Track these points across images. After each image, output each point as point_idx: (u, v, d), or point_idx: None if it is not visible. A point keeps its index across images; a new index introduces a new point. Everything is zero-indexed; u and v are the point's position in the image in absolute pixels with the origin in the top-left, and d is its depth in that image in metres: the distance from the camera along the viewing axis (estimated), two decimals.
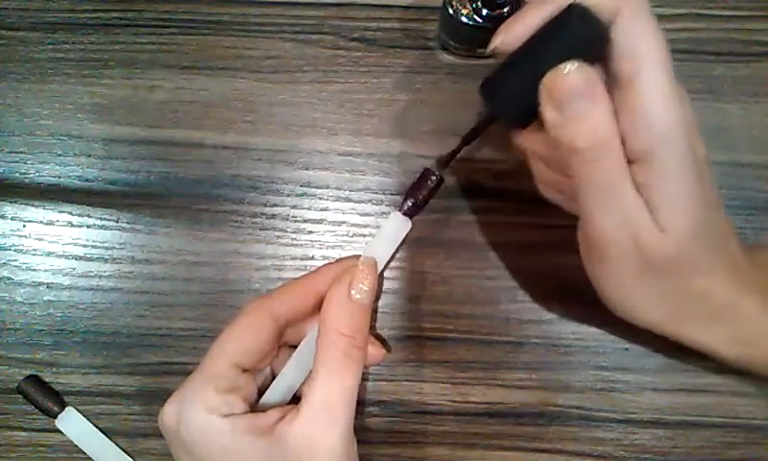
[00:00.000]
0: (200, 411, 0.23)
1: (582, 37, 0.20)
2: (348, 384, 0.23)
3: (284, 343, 0.27)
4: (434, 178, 0.27)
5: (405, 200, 0.27)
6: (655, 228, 0.20)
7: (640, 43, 0.19)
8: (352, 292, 0.24)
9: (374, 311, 0.30)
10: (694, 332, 0.24)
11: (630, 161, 0.20)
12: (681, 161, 0.20)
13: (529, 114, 0.21)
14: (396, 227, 0.27)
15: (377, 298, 0.30)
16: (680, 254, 0.21)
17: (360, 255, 0.26)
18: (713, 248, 0.22)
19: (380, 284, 0.30)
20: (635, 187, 0.20)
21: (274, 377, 0.26)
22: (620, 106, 0.20)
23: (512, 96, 0.22)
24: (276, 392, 0.26)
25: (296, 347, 0.26)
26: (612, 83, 0.20)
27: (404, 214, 0.27)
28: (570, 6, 0.20)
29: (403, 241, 0.28)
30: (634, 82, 0.19)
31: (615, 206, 0.21)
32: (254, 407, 0.25)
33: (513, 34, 0.20)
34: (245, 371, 0.24)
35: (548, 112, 0.20)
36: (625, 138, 0.20)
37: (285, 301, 0.26)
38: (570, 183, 0.21)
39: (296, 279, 0.27)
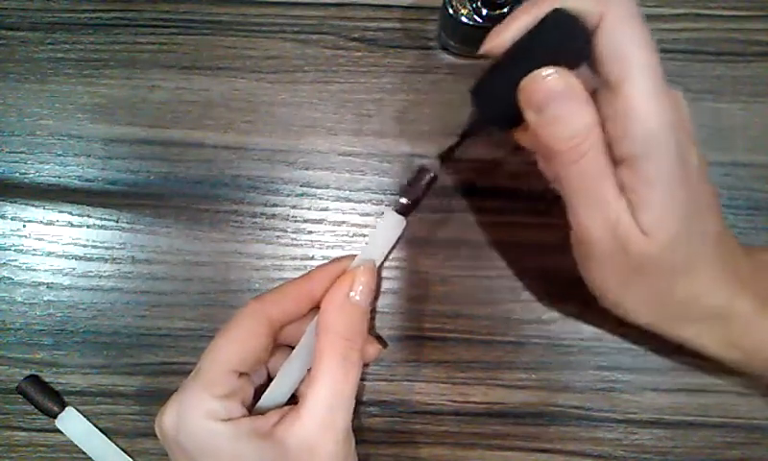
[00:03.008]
0: (199, 417, 0.22)
1: (564, 43, 0.20)
2: (346, 387, 0.24)
3: (279, 343, 0.27)
4: (429, 176, 0.27)
5: (400, 198, 0.27)
6: (637, 229, 0.21)
7: (627, 46, 0.19)
8: (351, 294, 0.24)
9: (373, 312, 0.30)
10: (685, 332, 0.24)
11: (617, 163, 0.20)
12: (666, 167, 0.20)
13: (516, 117, 0.21)
14: (391, 226, 0.27)
15: (376, 298, 0.30)
16: (662, 258, 0.21)
17: (355, 255, 0.26)
18: (699, 253, 0.22)
19: (378, 284, 0.30)
20: (617, 188, 0.20)
21: (270, 377, 0.26)
22: (608, 108, 0.20)
23: (498, 100, 0.22)
24: (273, 394, 0.26)
25: (292, 347, 0.26)
26: (601, 85, 0.20)
27: (399, 213, 0.27)
28: (554, 11, 0.20)
29: (399, 240, 0.28)
30: (621, 85, 0.19)
31: (598, 207, 0.21)
32: (252, 409, 0.25)
33: (502, 38, 0.21)
34: (241, 374, 0.24)
35: (528, 115, 0.20)
36: (612, 141, 0.20)
37: (280, 303, 0.26)
38: None
39: (290, 280, 0.27)
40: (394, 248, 0.28)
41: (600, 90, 0.21)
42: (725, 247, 0.23)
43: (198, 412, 0.23)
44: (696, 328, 0.24)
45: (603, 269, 0.23)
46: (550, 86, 0.19)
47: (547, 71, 0.19)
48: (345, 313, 0.24)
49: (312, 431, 0.23)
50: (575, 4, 0.19)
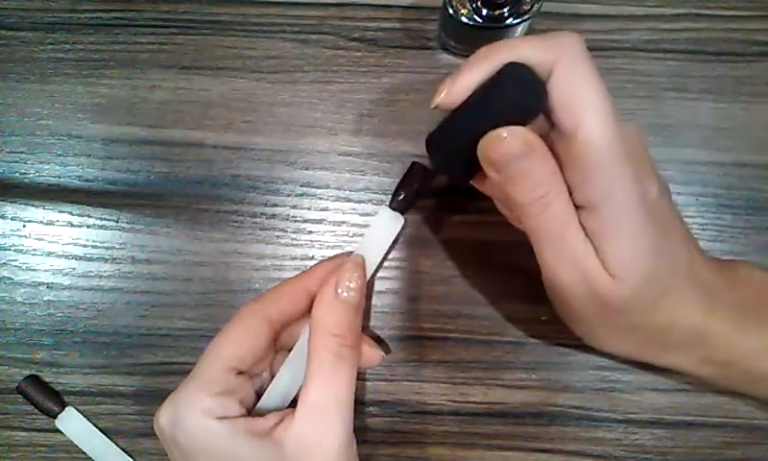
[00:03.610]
0: (195, 415, 0.22)
1: (520, 97, 0.20)
2: (341, 385, 0.23)
3: (282, 346, 0.27)
4: (421, 171, 0.27)
5: (394, 195, 0.28)
6: (605, 273, 0.21)
7: (578, 94, 0.19)
8: (339, 291, 0.24)
9: (367, 310, 0.30)
10: (665, 359, 0.25)
11: (578, 208, 0.21)
12: (627, 210, 0.20)
13: (472, 168, 0.21)
14: (386, 223, 0.27)
15: (369, 296, 0.30)
16: (633, 298, 0.21)
17: (352, 252, 0.26)
18: (671, 285, 0.22)
19: (371, 282, 0.30)
20: (583, 234, 0.21)
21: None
22: (565, 156, 0.20)
23: (454, 153, 0.22)
24: (272, 395, 0.26)
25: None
26: (557, 134, 0.21)
27: (393, 209, 0.27)
28: (506, 66, 0.20)
29: (398, 237, 0.28)
30: (575, 133, 0.19)
31: (565, 254, 0.21)
32: (253, 411, 0.25)
33: (454, 92, 0.20)
34: (240, 373, 0.24)
35: (489, 173, 0.21)
36: (572, 188, 0.20)
37: (278, 302, 0.26)
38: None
39: (288, 279, 0.27)
40: (393, 245, 0.28)
41: (555, 136, 0.21)
42: (696, 268, 0.23)
43: (194, 410, 0.23)
44: (673, 354, 0.24)
45: (576, 310, 0.23)
46: (508, 147, 0.20)
47: (504, 132, 0.19)
48: (334, 310, 0.24)
49: (308, 431, 0.23)
50: (528, 55, 0.19)
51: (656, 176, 0.22)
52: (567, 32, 0.20)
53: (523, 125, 0.20)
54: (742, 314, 0.23)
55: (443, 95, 0.21)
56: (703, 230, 0.30)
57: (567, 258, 0.21)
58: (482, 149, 0.20)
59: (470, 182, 0.25)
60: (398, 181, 0.28)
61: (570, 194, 0.21)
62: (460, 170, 0.22)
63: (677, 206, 0.25)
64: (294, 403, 0.25)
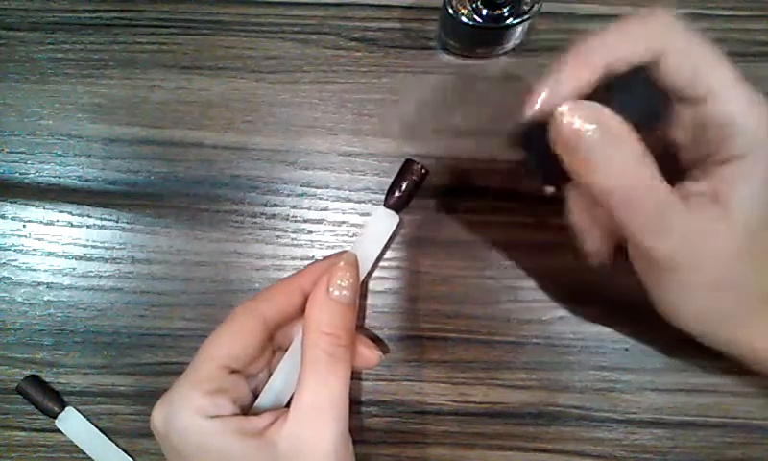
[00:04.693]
0: (187, 413, 0.22)
1: (642, 115, 0.19)
2: (335, 384, 0.23)
3: (279, 346, 0.27)
4: (416, 168, 0.27)
5: (388, 193, 0.27)
6: (719, 222, 0.20)
7: (703, 62, 0.19)
8: (331, 290, 0.24)
9: (362, 308, 0.30)
10: (755, 332, 0.23)
11: (717, 165, 0.20)
12: (765, 161, 0.20)
13: (564, 173, 0.20)
14: (381, 221, 0.27)
15: (364, 294, 0.30)
16: (753, 242, 0.21)
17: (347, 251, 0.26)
18: None
19: (367, 281, 0.30)
20: (684, 207, 0.20)
21: None
22: (698, 125, 0.20)
23: (548, 153, 0.20)
24: (268, 395, 0.25)
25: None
26: (683, 107, 0.20)
27: (389, 208, 0.27)
28: (629, 74, 0.19)
29: (394, 235, 0.28)
30: (712, 95, 0.20)
31: (672, 232, 0.20)
32: (248, 412, 0.25)
33: (559, 92, 0.20)
34: (234, 372, 0.24)
35: (564, 159, 0.19)
36: (712, 148, 0.20)
37: (272, 301, 0.26)
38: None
39: (283, 278, 0.27)
40: (389, 244, 0.28)
41: (680, 112, 0.20)
42: None
43: (186, 408, 0.23)
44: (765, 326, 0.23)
45: (687, 286, 0.22)
46: (575, 122, 0.18)
47: (565, 105, 0.18)
48: (326, 309, 0.24)
49: (301, 431, 0.22)
50: (630, 51, 0.19)
51: None
52: (658, 11, 0.20)
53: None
54: None
55: (540, 99, 0.20)
56: None
57: (675, 236, 0.20)
58: (553, 129, 0.19)
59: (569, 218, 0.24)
60: (393, 178, 0.28)
61: (703, 160, 0.21)
62: (550, 173, 0.20)
63: None
64: (290, 403, 0.25)
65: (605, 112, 0.18)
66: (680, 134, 0.21)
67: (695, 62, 0.20)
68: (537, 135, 0.20)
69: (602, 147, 0.18)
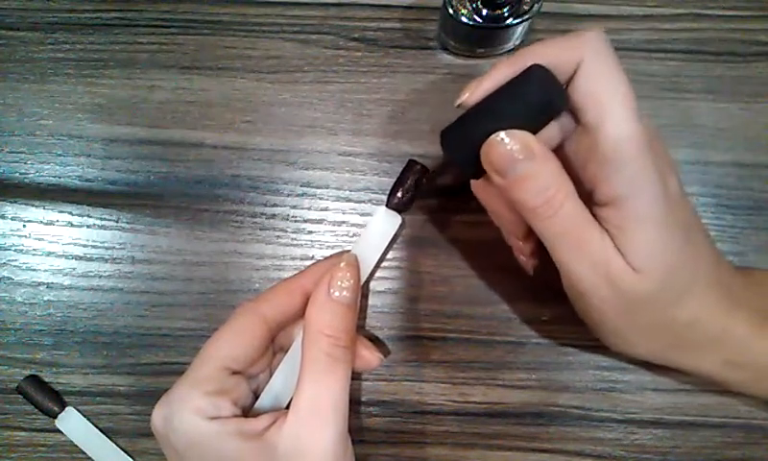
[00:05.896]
0: (186, 414, 0.22)
1: (535, 99, 0.20)
2: (334, 385, 0.23)
3: (280, 347, 0.27)
4: (418, 168, 0.27)
5: (391, 194, 0.27)
6: (629, 269, 0.21)
7: (603, 88, 0.20)
8: (331, 291, 0.24)
9: (364, 309, 0.30)
10: (689, 360, 0.25)
11: (599, 204, 0.21)
12: (652, 204, 0.20)
13: (481, 167, 0.21)
14: (382, 222, 0.27)
15: (366, 295, 0.30)
16: (659, 291, 0.21)
17: (349, 251, 0.26)
18: (693, 280, 0.22)
19: (369, 282, 0.30)
20: (599, 231, 0.21)
21: None
22: (589, 153, 0.20)
23: (466, 148, 0.22)
24: (268, 397, 0.25)
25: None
26: (580, 130, 0.21)
27: (390, 208, 0.27)
28: (529, 68, 0.20)
29: (396, 236, 0.28)
30: (599, 128, 0.20)
31: (585, 255, 0.21)
32: (249, 412, 0.25)
33: (479, 91, 0.21)
34: (234, 373, 0.24)
35: (495, 179, 0.21)
36: (595, 184, 0.21)
37: (273, 302, 0.26)
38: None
39: (284, 279, 0.27)
40: (391, 245, 0.28)
41: (579, 135, 0.21)
42: (717, 268, 0.23)
43: (186, 409, 0.22)
44: (695, 354, 0.24)
45: (599, 311, 0.23)
46: (508, 150, 0.20)
47: (503, 135, 0.20)
48: (326, 310, 0.24)
49: (300, 432, 0.22)
50: (553, 57, 0.20)
51: (676, 174, 0.22)
52: (590, 30, 0.20)
53: (543, 124, 0.21)
54: (760, 317, 0.23)
55: (467, 94, 0.21)
56: None
57: (587, 258, 0.21)
58: (484, 154, 0.20)
59: (475, 193, 0.25)
60: (396, 179, 0.28)
61: (590, 195, 0.21)
62: (471, 167, 0.22)
63: None
64: (290, 405, 0.25)
65: (532, 138, 0.20)
66: (589, 169, 0.21)
67: (601, 76, 0.20)
68: (463, 134, 0.22)
69: (529, 167, 0.20)
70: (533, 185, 0.20)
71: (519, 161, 0.20)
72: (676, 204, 0.21)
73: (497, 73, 0.21)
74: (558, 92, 0.20)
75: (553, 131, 0.22)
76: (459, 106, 0.21)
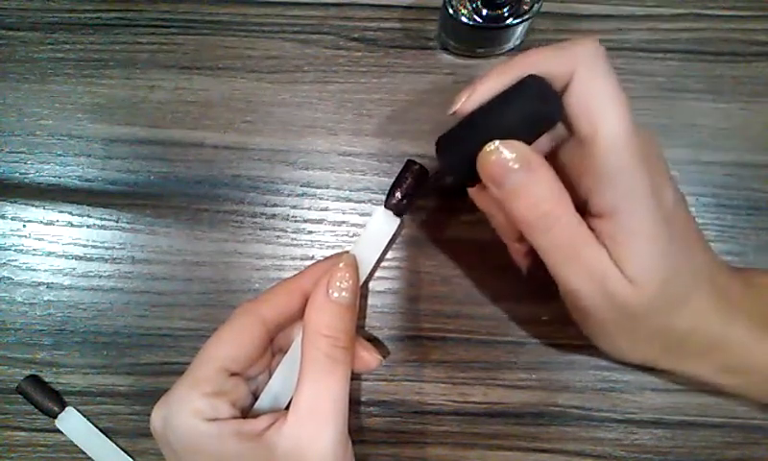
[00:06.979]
0: (185, 415, 0.22)
1: (530, 108, 0.20)
2: (334, 386, 0.23)
3: (280, 348, 0.27)
4: (416, 168, 0.27)
5: (389, 194, 0.27)
6: (625, 281, 0.21)
7: (596, 99, 0.19)
8: (330, 291, 0.24)
9: (363, 310, 0.30)
10: (686, 366, 0.25)
11: (594, 216, 0.21)
12: (645, 216, 0.20)
13: (476, 175, 0.21)
14: (381, 222, 0.27)
15: (365, 296, 0.30)
16: (654, 302, 0.21)
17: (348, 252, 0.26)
18: (690, 289, 0.22)
19: (368, 283, 0.30)
20: (596, 243, 0.21)
21: None
22: (583, 164, 0.20)
23: (461, 157, 0.22)
24: (267, 397, 0.25)
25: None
26: (574, 140, 0.21)
27: (389, 209, 0.27)
28: (526, 78, 0.20)
29: (395, 237, 0.28)
30: (593, 140, 0.20)
31: (581, 267, 0.21)
32: (249, 413, 0.25)
33: (473, 99, 0.21)
34: (233, 375, 0.24)
35: (491, 189, 0.21)
36: (589, 195, 0.20)
37: (272, 302, 0.25)
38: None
39: (284, 279, 0.27)
40: (390, 245, 0.28)
41: (573, 145, 0.21)
42: (714, 274, 0.23)
43: (184, 410, 0.22)
44: (693, 360, 0.24)
45: (597, 321, 0.23)
46: (502, 160, 0.20)
47: (498, 144, 0.20)
48: (325, 310, 0.24)
49: (299, 433, 0.22)
50: (547, 66, 0.20)
51: (672, 182, 0.22)
52: (585, 38, 0.20)
53: (538, 135, 0.20)
54: (759, 321, 0.23)
55: (461, 102, 0.21)
56: (703, 230, 0.30)
57: (584, 270, 0.21)
58: (480, 163, 0.20)
59: (471, 196, 0.25)
60: (394, 179, 0.28)
61: (585, 204, 0.21)
62: (466, 175, 0.22)
63: None
64: (289, 405, 0.25)
65: (528, 149, 0.20)
66: (583, 181, 0.21)
67: (595, 86, 0.20)
68: (458, 143, 0.21)
69: (525, 178, 0.20)
70: (529, 197, 0.20)
71: (515, 171, 0.20)
72: (671, 215, 0.21)
73: (490, 81, 0.20)
74: (554, 104, 0.20)
75: (543, 138, 0.22)
76: (453, 114, 0.21)
